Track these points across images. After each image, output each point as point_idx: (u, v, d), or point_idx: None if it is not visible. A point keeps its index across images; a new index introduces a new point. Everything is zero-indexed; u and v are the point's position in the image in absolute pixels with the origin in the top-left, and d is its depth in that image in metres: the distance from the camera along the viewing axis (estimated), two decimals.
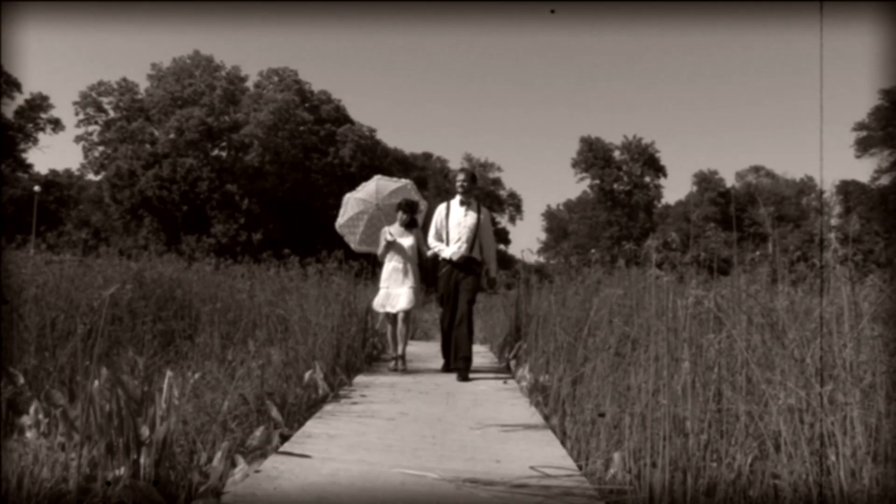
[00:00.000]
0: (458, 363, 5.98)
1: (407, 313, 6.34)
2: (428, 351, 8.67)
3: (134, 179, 40.28)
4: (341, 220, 7.05)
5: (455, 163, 57.63)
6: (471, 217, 6.23)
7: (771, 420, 2.41)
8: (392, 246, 6.38)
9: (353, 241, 7.04)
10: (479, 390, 5.41)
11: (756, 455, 2.42)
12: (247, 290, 6.92)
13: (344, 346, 5.92)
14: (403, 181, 7.08)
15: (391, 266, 6.37)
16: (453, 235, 6.19)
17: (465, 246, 6.14)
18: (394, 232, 6.42)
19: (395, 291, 6.33)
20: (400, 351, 6.37)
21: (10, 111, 41.01)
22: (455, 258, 6.13)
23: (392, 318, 6.44)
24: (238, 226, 38.53)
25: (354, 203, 7.07)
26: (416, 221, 6.55)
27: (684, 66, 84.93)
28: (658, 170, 55.95)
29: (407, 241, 6.39)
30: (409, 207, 6.52)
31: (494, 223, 17.52)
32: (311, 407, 4.35)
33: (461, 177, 6.35)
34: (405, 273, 6.33)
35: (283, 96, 43.67)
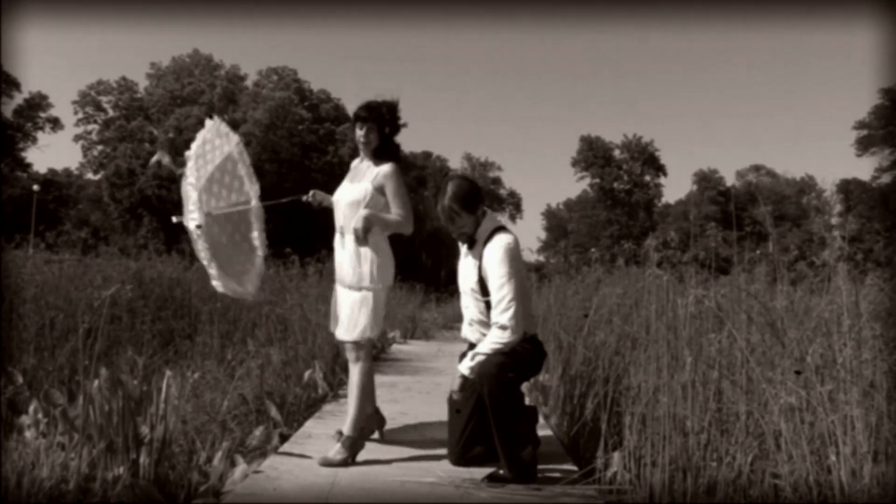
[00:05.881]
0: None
1: (356, 346, 3.23)
2: (427, 350, 8.66)
3: (133, 178, 40.24)
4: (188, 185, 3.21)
5: (455, 162, 57.48)
6: (472, 268, 3.15)
7: (771, 419, 2.41)
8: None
9: (211, 267, 3.15)
10: None
11: (756, 454, 2.42)
12: None
13: None
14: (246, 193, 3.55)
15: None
16: (463, 303, 3.29)
17: (473, 323, 3.19)
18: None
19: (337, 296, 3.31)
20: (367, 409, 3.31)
21: (9, 110, 40.96)
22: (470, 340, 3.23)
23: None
24: None
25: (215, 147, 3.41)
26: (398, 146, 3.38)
27: (684, 64, 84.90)
28: (658, 168, 56.00)
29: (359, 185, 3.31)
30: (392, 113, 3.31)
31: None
32: (311, 406, 4.35)
33: (444, 205, 3.09)
34: (355, 255, 3.23)
35: (280, 95, 43.62)
